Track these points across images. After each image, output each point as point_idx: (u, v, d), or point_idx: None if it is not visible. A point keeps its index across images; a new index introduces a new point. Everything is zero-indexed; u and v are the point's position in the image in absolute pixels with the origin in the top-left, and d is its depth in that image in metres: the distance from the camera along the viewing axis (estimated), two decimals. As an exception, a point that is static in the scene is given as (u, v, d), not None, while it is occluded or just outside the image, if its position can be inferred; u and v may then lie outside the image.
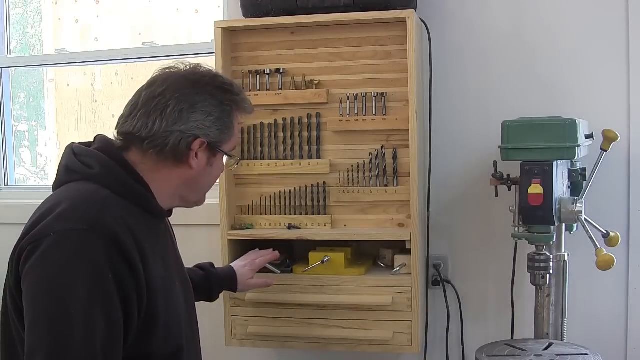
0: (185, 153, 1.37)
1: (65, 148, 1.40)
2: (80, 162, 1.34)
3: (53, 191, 1.36)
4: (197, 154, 1.39)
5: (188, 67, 1.42)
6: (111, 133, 1.43)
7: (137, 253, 1.26)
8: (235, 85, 1.46)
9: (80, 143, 1.41)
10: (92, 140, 1.43)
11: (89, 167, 1.33)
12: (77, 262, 1.19)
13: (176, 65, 1.43)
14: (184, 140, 1.36)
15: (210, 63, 1.90)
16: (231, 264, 1.90)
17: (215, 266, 1.85)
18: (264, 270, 1.95)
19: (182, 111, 1.35)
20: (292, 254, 2.07)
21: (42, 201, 1.35)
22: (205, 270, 1.80)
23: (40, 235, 1.21)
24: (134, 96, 1.40)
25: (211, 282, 1.79)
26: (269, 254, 1.92)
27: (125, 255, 1.24)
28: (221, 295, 2.00)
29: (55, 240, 1.20)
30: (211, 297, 1.82)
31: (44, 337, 1.16)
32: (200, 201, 1.52)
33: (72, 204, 1.25)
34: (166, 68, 1.42)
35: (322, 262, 1.94)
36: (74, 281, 1.18)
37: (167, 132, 1.35)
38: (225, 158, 1.47)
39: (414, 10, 1.92)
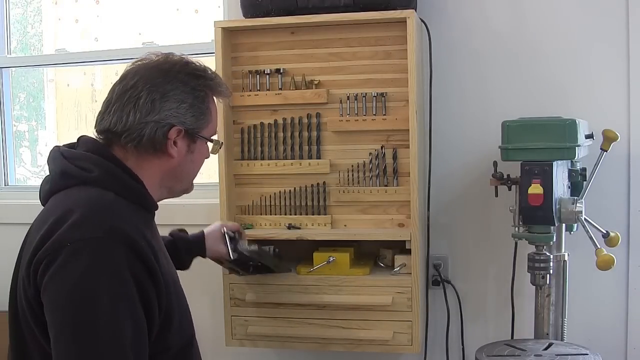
0: (163, 143, 1.36)
1: (51, 152, 1.38)
2: (76, 167, 1.32)
3: (46, 197, 1.35)
4: (176, 143, 1.37)
5: (159, 57, 1.41)
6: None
7: (151, 254, 1.26)
8: (208, 71, 1.44)
9: (65, 145, 1.39)
10: (75, 141, 1.41)
11: (88, 171, 1.32)
12: (98, 269, 1.19)
13: (147, 57, 1.41)
14: (159, 130, 1.34)
15: (210, 63, 1.90)
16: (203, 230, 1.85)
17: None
18: (262, 271, 1.94)
19: (154, 101, 1.34)
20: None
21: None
22: (172, 235, 1.78)
23: (57, 246, 1.20)
24: (108, 92, 1.39)
25: (177, 246, 1.75)
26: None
27: (142, 258, 1.24)
28: (221, 295, 2.01)
29: (73, 250, 1.19)
30: (181, 263, 1.75)
31: (72, 347, 1.16)
32: (188, 189, 1.50)
33: (83, 211, 1.24)
34: (138, 60, 1.41)
35: (328, 262, 1.94)
36: (96, 289, 1.18)
37: (142, 123, 1.34)
38: (207, 143, 1.45)
39: (414, 10, 1.92)
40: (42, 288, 1.21)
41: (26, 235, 1.34)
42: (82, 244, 1.20)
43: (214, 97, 1.46)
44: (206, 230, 1.83)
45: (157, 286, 1.26)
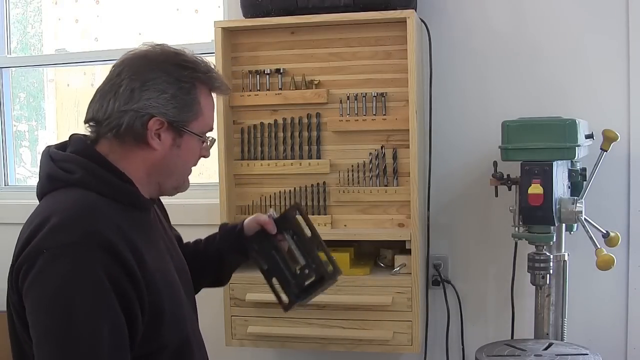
0: (143, 134, 1.31)
1: (42, 153, 1.37)
2: (60, 169, 1.31)
3: (39, 199, 1.34)
4: (159, 135, 1.33)
5: (149, 47, 1.37)
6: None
7: (131, 255, 1.25)
8: (201, 63, 1.38)
9: (56, 146, 1.38)
10: (67, 140, 1.39)
11: (71, 173, 1.30)
12: (74, 276, 1.18)
13: (139, 47, 1.38)
14: (138, 119, 1.30)
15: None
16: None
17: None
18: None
19: (133, 90, 1.30)
20: None
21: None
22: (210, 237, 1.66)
23: (35, 252, 1.20)
24: None
25: (216, 242, 1.63)
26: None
27: (120, 261, 1.22)
28: (221, 295, 2.00)
29: (50, 257, 1.19)
30: (222, 258, 1.61)
31: (52, 353, 1.16)
32: (179, 187, 1.43)
33: (61, 216, 1.23)
34: (131, 51, 1.38)
35: None
36: (73, 295, 1.17)
37: (121, 112, 1.30)
38: (204, 141, 1.40)
39: (414, 10, 1.92)
40: (23, 294, 1.21)
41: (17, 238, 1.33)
42: (59, 250, 1.19)
43: (210, 92, 1.40)
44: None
45: (138, 288, 1.25)
